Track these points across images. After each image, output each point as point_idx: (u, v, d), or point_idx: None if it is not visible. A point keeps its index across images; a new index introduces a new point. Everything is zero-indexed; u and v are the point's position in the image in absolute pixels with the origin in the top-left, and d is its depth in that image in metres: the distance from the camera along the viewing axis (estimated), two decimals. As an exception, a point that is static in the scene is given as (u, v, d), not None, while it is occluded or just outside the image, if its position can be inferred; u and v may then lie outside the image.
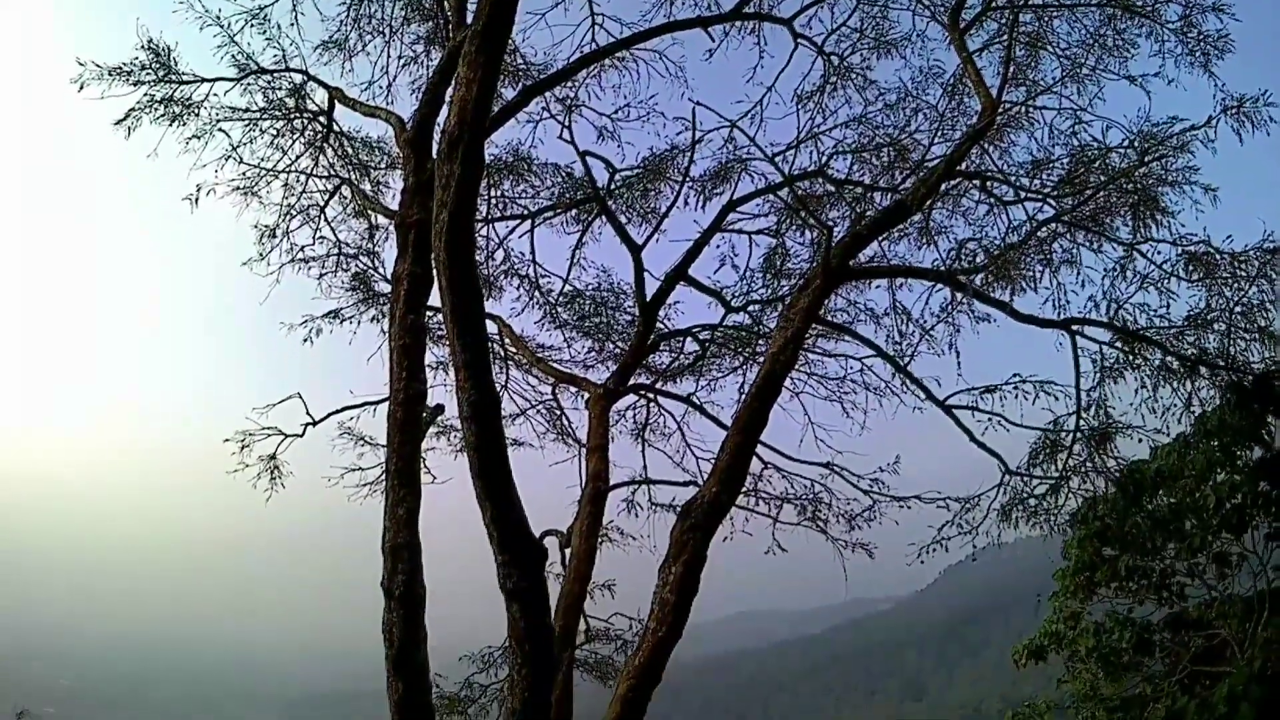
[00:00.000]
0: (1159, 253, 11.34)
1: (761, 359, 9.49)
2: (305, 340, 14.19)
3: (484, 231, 13.68)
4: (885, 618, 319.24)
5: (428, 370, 11.42)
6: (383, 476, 9.04)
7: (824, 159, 12.44)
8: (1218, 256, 11.10)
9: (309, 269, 14.35)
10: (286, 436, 13.21)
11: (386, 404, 8.91)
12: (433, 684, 9.00)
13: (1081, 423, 11.89)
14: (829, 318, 13.53)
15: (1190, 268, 11.21)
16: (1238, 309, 11.25)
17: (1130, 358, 11.63)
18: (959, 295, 12.23)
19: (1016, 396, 11.70)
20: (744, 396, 8.92)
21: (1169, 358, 11.44)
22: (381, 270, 14.10)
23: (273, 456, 13.28)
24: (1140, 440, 11.96)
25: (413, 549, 8.24)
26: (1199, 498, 17.58)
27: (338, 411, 13.19)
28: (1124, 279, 11.53)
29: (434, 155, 8.27)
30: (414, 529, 8.32)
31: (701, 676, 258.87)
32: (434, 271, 8.38)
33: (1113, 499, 17.21)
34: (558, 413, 15.24)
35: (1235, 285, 11.19)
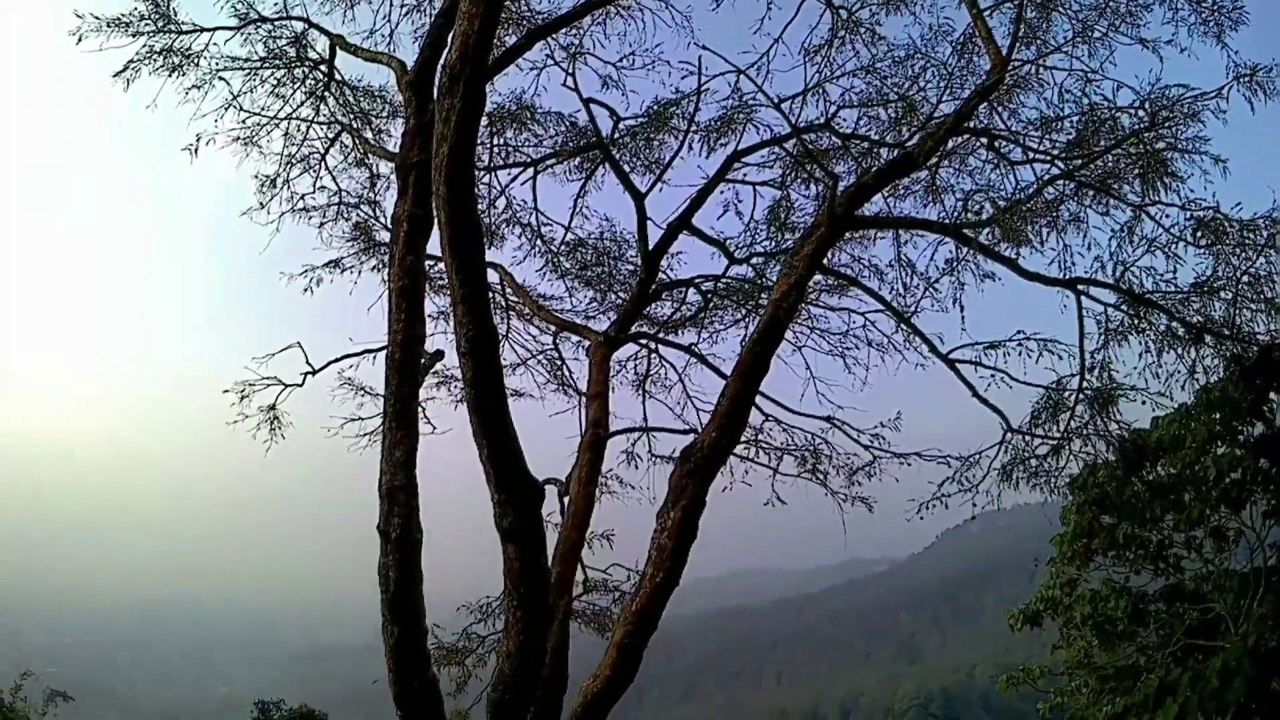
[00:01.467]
0: (1167, 216, 11.24)
1: (764, 311, 9.38)
2: (305, 290, 14.14)
3: (485, 179, 13.56)
4: (881, 579, 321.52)
5: (428, 320, 11.41)
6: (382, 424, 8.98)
7: (831, 112, 12.27)
8: (1226, 223, 10.99)
9: (309, 218, 14.30)
10: (286, 386, 13.17)
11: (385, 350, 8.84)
12: (430, 632, 8.94)
13: (1085, 384, 11.80)
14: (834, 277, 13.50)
15: (1198, 234, 11.10)
16: (1244, 278, 11.15)
17: (1135, 321, 11.53)
18: (964, 249, 12.15)
19: (1020, 354, 11.66)
20: (745, 342, 8.83)
21: (1174, 324, 11.34)
22: (382, 219, 14.03)
23: (272, 407, 13.24)
24: (1144, 403, 11.79)
25: (409, 491, 8.19)
26: (1199, 470, 17.61)
27: (338, 360, 13.11)
28: (1131, 241, 11.43)
29: (435, 97, 8.14)
30: (411, 471, 8.27)
31: (697, 633, 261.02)
32: (434, 211, 8.28)
33: (1113, 466, 17.23)
34: (558, 362, 15.23)
35: (1243, 254, 11.09)
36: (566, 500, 10.86)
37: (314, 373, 13.08)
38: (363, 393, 13.44)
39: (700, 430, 9.03)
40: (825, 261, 10.89)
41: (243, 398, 12.97)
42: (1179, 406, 17.25)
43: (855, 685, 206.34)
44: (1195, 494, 18.54)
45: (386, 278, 9.27)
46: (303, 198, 14.16)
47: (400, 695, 8.30)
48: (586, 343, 12.89)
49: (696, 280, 13.72)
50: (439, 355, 11.88)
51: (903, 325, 12.66)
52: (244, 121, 13.44)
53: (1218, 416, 17.68)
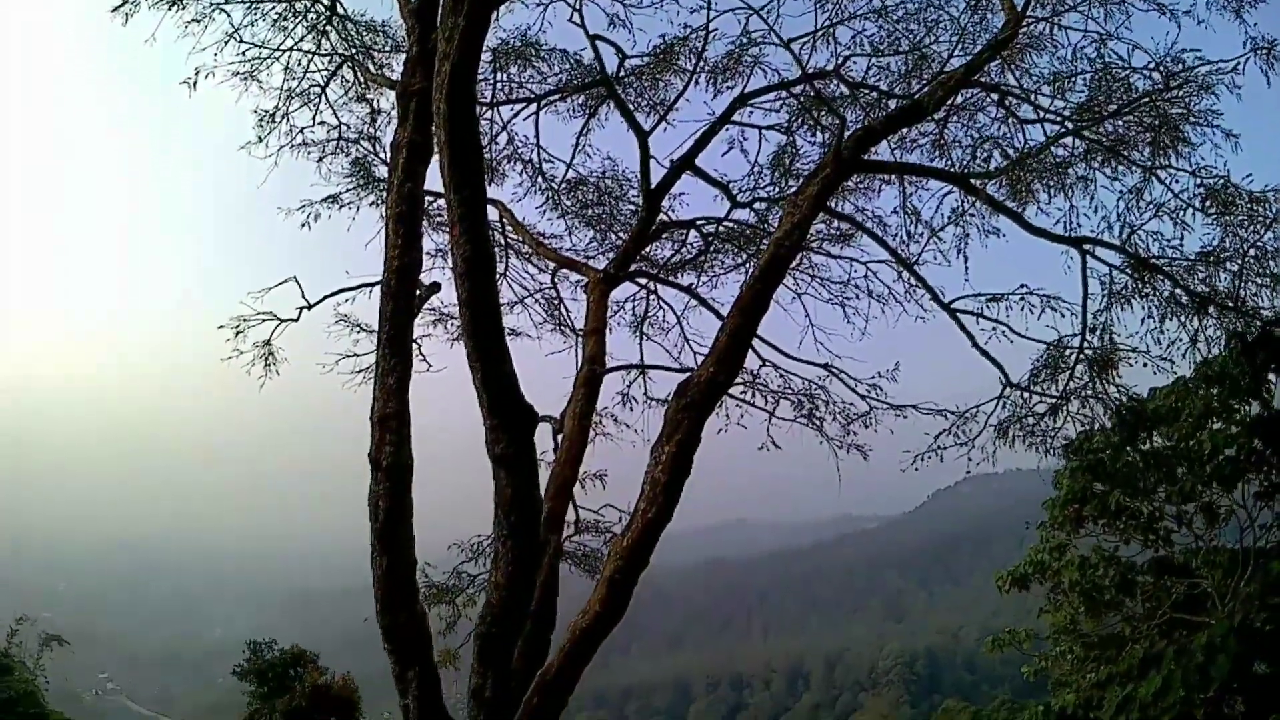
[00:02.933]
0: (1177, 181, 11.10)
1: (765, 249, 9.26)
2: (303, 225, 13.97)
3: (487, 115, 13.38)
4: (871, 536, 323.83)
5: (426, 256, 11.27)
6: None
7: (841, 59, 12.06)
8: (1236, 194, 10.85)
9: (308, 153, 14.11)
10: (282, 321, 12.97)
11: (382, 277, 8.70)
12: (420, 569, 8.88)
13: (1085, 344, 11.72)
14: (837, 226, 13.37)
15: (1207, 203, 10.97)
16: (1251, 251, 11.05)
17: (1140, 286, 11.41)
18: (970, 200, 12.01)
19: (1022, 309, 11.55)
20: (746, 280, 8.71)
21: (1178, 291, 11.24)
22: (381, 154, 13.81)
23: (267, 342, 13.08)
24: (1146, 365, 11.70)
25: (401, 419, 8.10)
26: (1194, 444, 17.58)
27: (334, 294, 12.97)
28: (1139, 205, 11.29)
29: (439, 20, 7.96)
30: (404, 399, 8.17)
31: (686, 583, 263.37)
32: (434, 134, 8.12)
33: (1109, 433, 17.20)
34: (556, 301, 15.12)
35: (1251, 227, 10.97)
36: (560, 437, 10.79)
37: (309, 307, 12.89)
38: (358, 329, 13.36)
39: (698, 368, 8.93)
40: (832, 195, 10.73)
41: (238, 333, 12.78)
42: (1177, 379, 17.24)
43: (841, 641, 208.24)
44: (1189, 468, 18.54)
45: (384, 204, 9.12)
46: (301, 131, 13.96)
47: (388, 628, 8.25)
48: (584, 282, 12.78)
49: (698, 222, 13.59)
50: (435, 288, 11.76)
51: (905, 273, 12.57)
52: (244, 54, 13.22)
53: (1215, 392, 17.62)
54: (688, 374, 8.77)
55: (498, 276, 10.62)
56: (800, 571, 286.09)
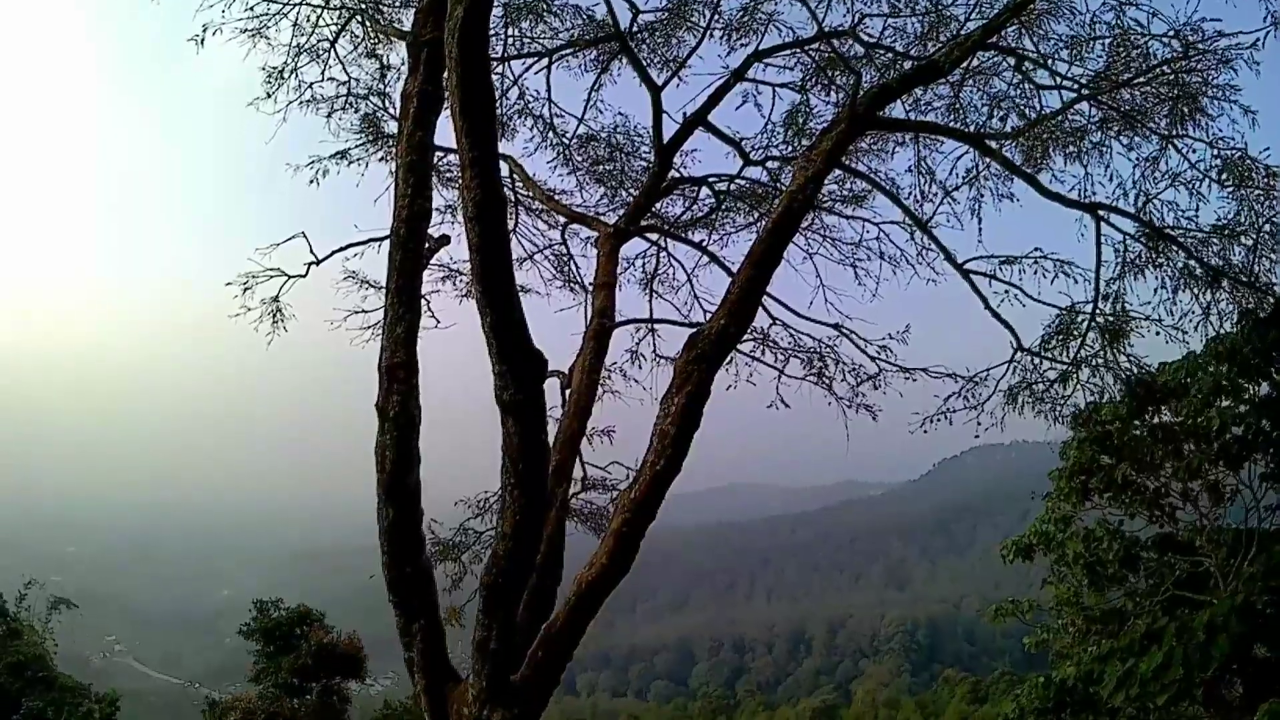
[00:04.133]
0: (1194, 151, 10.95)
1: (778, 202, 9.16)
2: (311, 182, 13.85)
3: (498, 69, 13.23)
4: (876, 503, 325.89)
5: (435, 212, 11.17)
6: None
7: (857, 18, 11.91)
8: (1253, 168, 10.73)
9: (317, 109, 13.97)
10: (290, 278, 12.89)
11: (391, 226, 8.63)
12: (426, 525, 8.84)
13: (1098, 311, 11.65)
14: (850, 186, 13.27)
15: (1224, 175, 10.83)
16: (1266, 227, 10.95)
17: (1154, 255, 11.34)
18: (985, 161, 11.90)
19: (1035, 273, 11.49)
20: (759, 233, 8.62)
21: (1191, 262, 11.18)
22: (391, 110, 13.67)
23: (275, 298, 13.03)
24: (1159, 334, 11.62)
25: (409, 369, 8.07)
26: (1202, 421, 17.52)
27: (343, 249, 12.90)
28: (1155, 173, 11.17)
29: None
30: (412, 349, 8.14)
31: (691, 544, 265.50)
32: (444, 86, 8.03)
33: (1117, 405, 17.15)
34: (565, 258, 15.07)
35: (1267, 201, 10.86)
36: (568, 392, 10.76)
37: (318, 262, 12.82)
38: (366, 286, 13.31)
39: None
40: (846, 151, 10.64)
41: (246, 289, 12.71)
42: (1187, 354, 17.18)
43: (843, 606, 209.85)
44: (1196, 446, 18.49)
45: (394, 157, 9.05)
46: (310, 87, 13.81)
47: (393, 580, 8.26)
48: (594, 238, 12.71)
49: (710, 179, 13.48)
50: (445, 240, 11.69)
51: (917, 235, 12.49)
52: (251, 8, 13.06)
53: (1225, 370, 17.54)
54: (698, 328, 8.70)
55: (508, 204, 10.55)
56: (804, 536, 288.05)
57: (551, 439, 8.74)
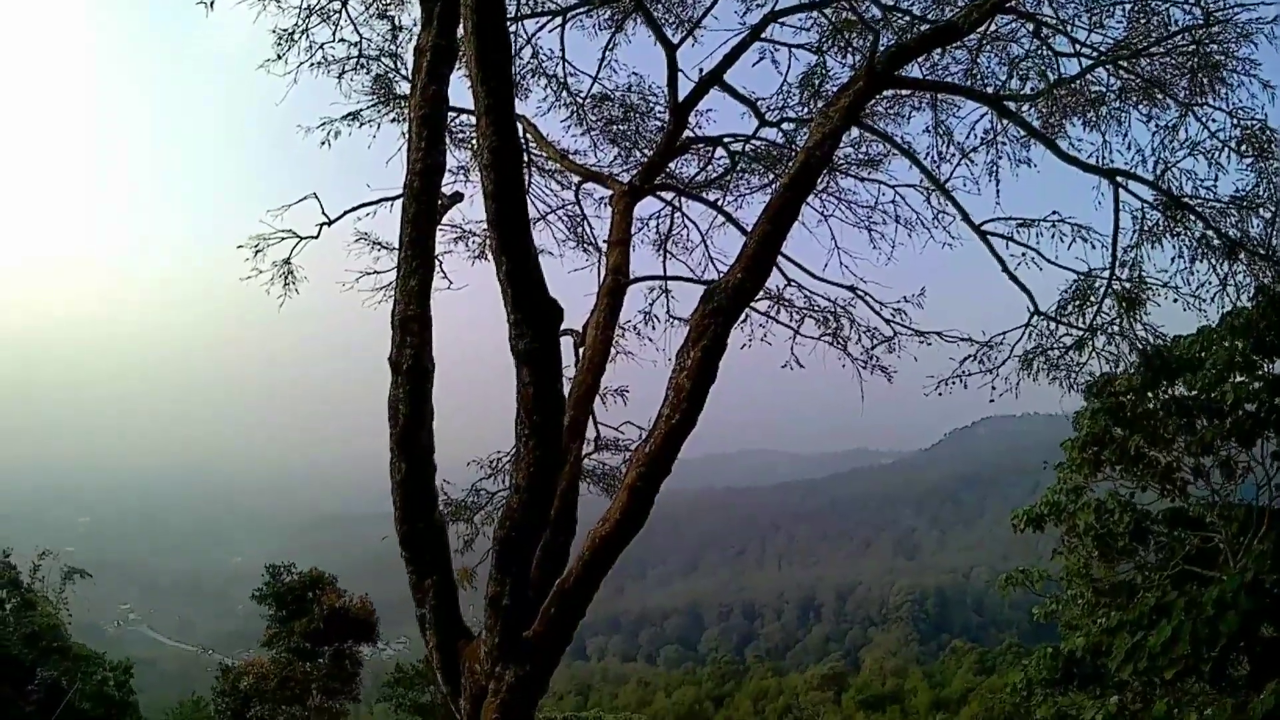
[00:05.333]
0: (1213, 120, 10.79)
1: (795, 158, 9.08)
2: (323, 144, 13.77)
3: (512, 28, 13.09)
4: (886, 472, 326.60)
5: (449, 173, 11.11)
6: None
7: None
8: (1272, 138, 10.58)
9: (328, 70, 13.89)
10: (301, 239, 12.84)
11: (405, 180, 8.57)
12: (439, 486, 8.82)
13: (1115, 278, 11.55)
14: (866, 150, 13.16)
15: (1243, 146, 10.68)
16: None
17: (1171, 224, 11.22)
18: (1003, 123, 11.78)
19: (1053, 237, 11.37)
20: (775, 188, 8.55)
21: (1209, 232, 11.04)
22: (403, 71, 13.59)
23: (287, 261, 12.98)
24: (1176, 301, 11.51)
25: (423, 322, 8.00)
26: (1215, 396, 17.45)
27: (356, 209, 12.86)
28: (1174, 141, 11.02)
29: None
30: (425, 302, 8.07)
31: (701, 509, 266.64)
32: (458, 36, 7.96)
33: (1131, 377, 17.07)
34: (579, 218, 15.00)
35: None
36: (582, 350, 10.72)
37: (330, 223, 12.77)
38: (379, 247, 13.26)
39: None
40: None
41: (257, 252, 12.66)
42: (1202, 328, 17.08)
43: (853, 574, 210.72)
44: (1209, 421, 18.41)
45: (407, 111, 8.96)
46: (321, 47, 13.72)
47: (406, 536, 8.24)
48: (608, 197, 12.64)
49: (725, 139, 13.38)
50: (458, 197, 11.62)
51: (933, 197, 12.39)
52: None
53: (1240, 345, 17.43)
54: (713, 282, 8.64)
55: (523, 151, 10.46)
56: (815, 503, 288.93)
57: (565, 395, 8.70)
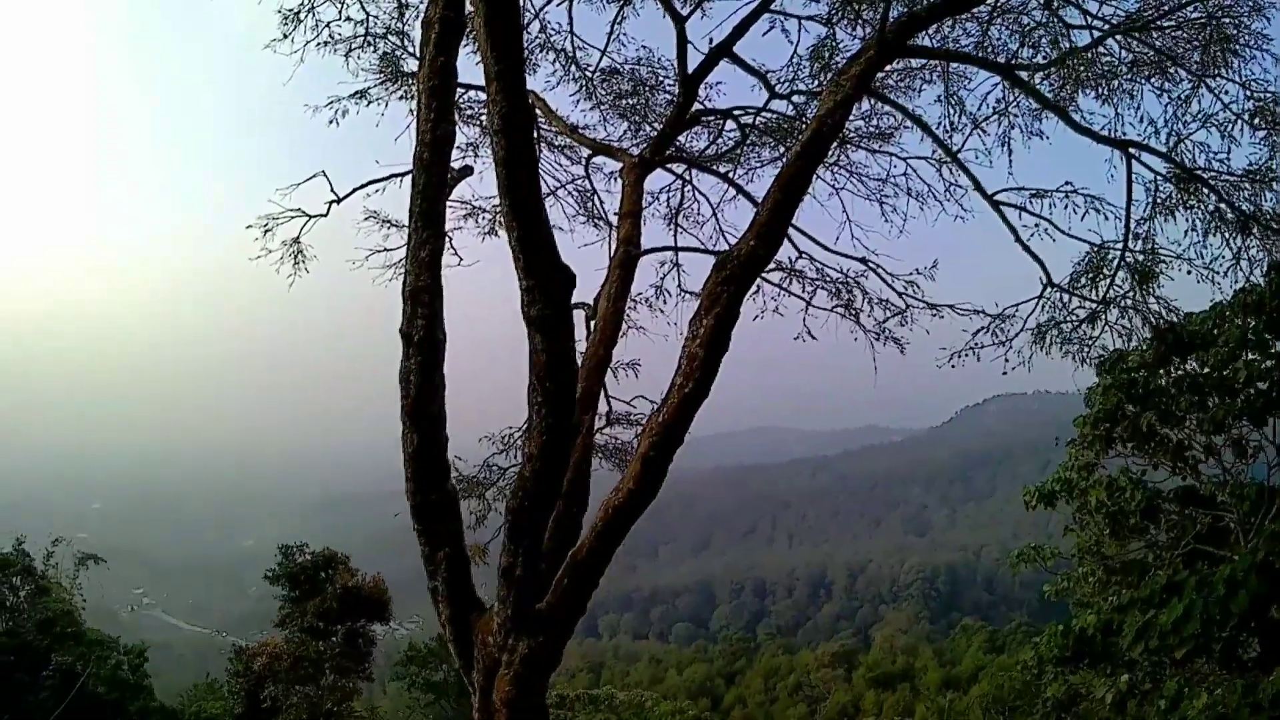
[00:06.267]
0: (1226, 92, 10.68)
1: (807, 126, 9.02)
2: (330, 122, 13.72)
3: (519, 3, 13.04)
4: (897, 449, 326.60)
5: (457, 150, 11.04)
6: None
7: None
8: None
9: (335, 48, 13.83)
10: (311, 218, 12.78)
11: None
12: (450, 463, 8.79)
13: (1128, 251, 11.48)
14: (877, 124, 13.07)
15: (1256, 119, 10.58)
16: None
17: (1185, 197, 11.15)
18: (1015, 93, 11.69)
19: (1066, 208, 11.32)
20: (787, 157, 8.50)
21: (1222, 205, 10.97)
22: (410, 48, 13.52)
23: (296, 239, 12.95)
24: (1190, 273, 11.43)
25: (434, 292, 7.98)
26: (1228, 374, 17.37)
27: (365, 185, 12.81)
28: (1186, 114, 10.92)
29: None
30: (436, 272, 8.04)
31: (713, 487, 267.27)
32: (465, 8, 7.91)
33: (1144, 353, 16.99)
34: (589, 193, 14.94)
35: None
36: (593, 323, 10.69)
37: (339, 200, 12.71)
38: (388, 225, 13.23)
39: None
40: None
41: (266, 231, 12.60)
42: (1214, 304, 16.98)
43: (864, 552, 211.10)
44: (1221, 399, 18.33)
45: (416, 82, 8.91)
46: (328, 25, 13.65)
47: (418, 508, 8.23)
48: (618, 170, 12.57)
49: (735, 111, 13.29)
50: (467, 171, 11.58)
51: (945, 168, 12.31)
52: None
53: (1252, 323, 17.33)
54: (726, 251, 8.59)
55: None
56: (825, 480, 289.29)
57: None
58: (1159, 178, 11.14)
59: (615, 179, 13.49)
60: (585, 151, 14.12)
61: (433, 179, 8.01)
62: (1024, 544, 23.93)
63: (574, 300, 7.25)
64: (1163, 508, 19.68)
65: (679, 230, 14.61)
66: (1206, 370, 18.44)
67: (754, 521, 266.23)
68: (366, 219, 13.33)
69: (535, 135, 13.80)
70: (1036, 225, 11.44)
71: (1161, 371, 19.09)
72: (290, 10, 13.03)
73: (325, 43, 13.38)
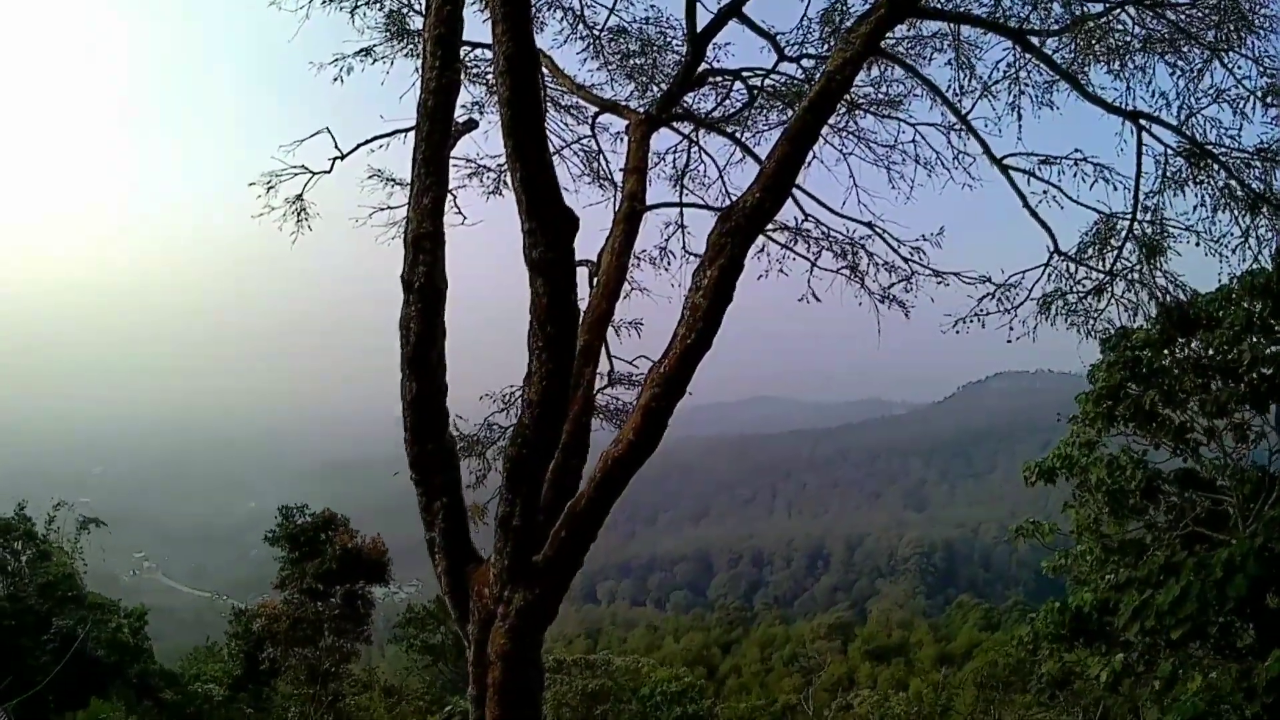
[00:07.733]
0: (1239, 67, 10.58)
1: (816, 82, 8.94)
2: (335, 79, 13.59)
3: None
4: (898, 423, 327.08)
5: (461, 109, 10.94)
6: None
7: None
8: None
9: (340, 5, 13.70)
10: (314, 174, 12.71)
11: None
12: (451, 422, 8.74)
13: (1136, 223, 11.40)
14: (886, 90, 12.97)
15: (1268, 97, 10.50)
16: None
17: (1195, 171, 11.05)
18: (1026, 58, 11.59)
19: (1075, 176, 11.22)
20: (796, 110, 8.44)
21: (1232, 182, 10.90)
22: (416, 6, 13.40)
23: (299, 196, 12.88)
24: (1198, 245, 11.36)
25: (436, 239, 7.93)
26: (1232, 356, 17.35)
27: (369, 141, 12.69)
28: (1199, 88, 10.81)
29: None
30: (439, 219, 8.00)
31: (713, 456, 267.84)
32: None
33: (1149, 331, 16.95)
34: (594, 153, 14.81)
35: None
36: (596, 278, 10.63)
37: (342, 157, 12.63)
38: (392, 184, 13.16)
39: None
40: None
41: (269, 188, 12.54)
42: (1220, 286, 16.92)
43: (862, 524, 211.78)
44: (1224, 382, 18.32)
45: (423, 30, 8.83)
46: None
47: (415, 458, 8.21)
48: (623, 130, 12.50)
49: (743, 73, 13.18)
50: (472, 124, 11.51)
51: (954, 133, 12.23)
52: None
53: (1258, 307, 17.29)
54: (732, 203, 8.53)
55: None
56: (826, 452, 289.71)
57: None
58: (1169, 150, 11.06)
59: (621, 139, 13.40)
60: (591, 111, 14.01)
61: (437, 126, 7.95)
62: (1022, 521, 24.00)
63: (577, 257, 7.21)
64: (1162, 489, 19.73)
65: (685, 193, 14.55)
66: (1210, 352, 18.43)
67: (753, 491, 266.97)
68: (370, 177, 13.24)
69: (541, 85, 13.73)
70: (1045, 192, 11.35)
71: (1165, 352, 19.09)
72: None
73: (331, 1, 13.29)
